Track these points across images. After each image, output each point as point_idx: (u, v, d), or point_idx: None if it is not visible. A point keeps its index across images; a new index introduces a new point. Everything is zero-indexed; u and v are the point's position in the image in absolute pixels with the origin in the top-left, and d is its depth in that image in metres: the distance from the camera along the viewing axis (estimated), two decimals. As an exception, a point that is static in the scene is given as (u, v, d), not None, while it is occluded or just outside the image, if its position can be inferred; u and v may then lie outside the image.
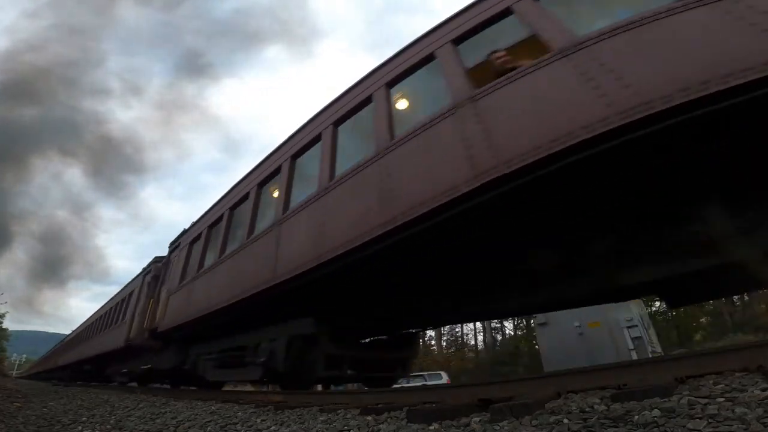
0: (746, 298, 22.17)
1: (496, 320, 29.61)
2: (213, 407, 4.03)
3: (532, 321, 20.92)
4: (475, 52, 3.66)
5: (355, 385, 7.56)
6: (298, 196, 5.10)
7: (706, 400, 1.45)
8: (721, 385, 1.60)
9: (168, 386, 9.68)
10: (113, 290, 17.60)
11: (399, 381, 6.56)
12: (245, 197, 6.29)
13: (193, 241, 8.08)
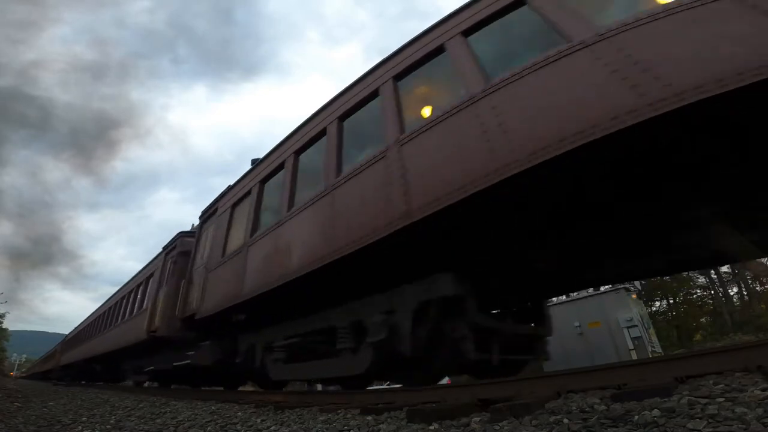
0: (746, 298, 22.18)
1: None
2: (213, 407, 4.04)
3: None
4: None
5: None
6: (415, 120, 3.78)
7: (706, 400, 1.45)
8: (721, 385, 1.60)
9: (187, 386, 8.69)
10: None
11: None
12: (321, 134, 4.98)
13: (237, 203, 6.57)
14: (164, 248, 9.66)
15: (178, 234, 9.01)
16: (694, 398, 1.49)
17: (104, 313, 14.79)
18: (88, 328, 17.43)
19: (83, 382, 15.63)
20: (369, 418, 2.31)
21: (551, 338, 5.23)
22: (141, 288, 10.65)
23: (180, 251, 8.42)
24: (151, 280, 9.87)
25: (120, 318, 11.98)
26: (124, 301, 12.12)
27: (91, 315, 18.07)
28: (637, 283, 20.48)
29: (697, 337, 20.81)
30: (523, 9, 3.37)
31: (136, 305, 10.59)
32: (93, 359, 14.48)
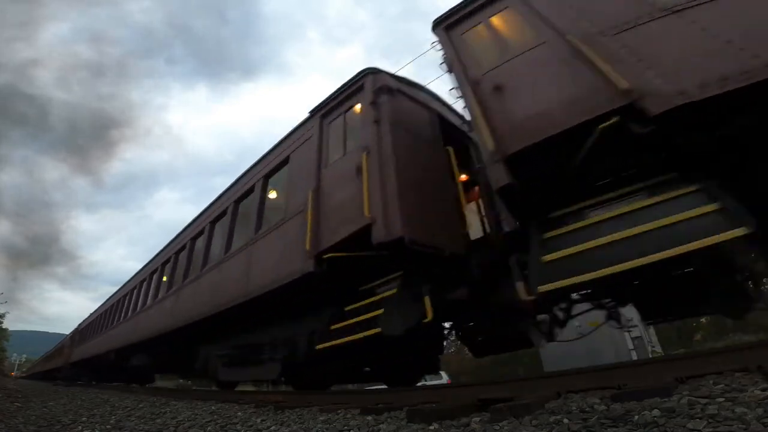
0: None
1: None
2: (213, 407, 4.03)
3: (532, 321, 20.80)
4: None
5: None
6: None
7: (706, 400, 1.45)
8: (721, 385, 1.60)
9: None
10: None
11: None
12: None
13: None
14: (314, 110, 5.27)
15: (365, 71, 4.72)
16: (694, 398, 1.49)
17: (159, 268, 9.63)
18: (120, 304, 12.44)
19: (104, 383, 12.45)
20: (369, 418, 2.31)
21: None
22: (255, 192, 6.06)
23: (381, 86, 4.43)
24: (281, 172, 5.70)
25: (211, 258, 6.90)
26: (211, 228, 7.29)
27: (128, 283, 12.54)
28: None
29: (697, 337, 20.79)
30: None
31: (249, 228, 5.84)
32: (133, 347, 9.64)
